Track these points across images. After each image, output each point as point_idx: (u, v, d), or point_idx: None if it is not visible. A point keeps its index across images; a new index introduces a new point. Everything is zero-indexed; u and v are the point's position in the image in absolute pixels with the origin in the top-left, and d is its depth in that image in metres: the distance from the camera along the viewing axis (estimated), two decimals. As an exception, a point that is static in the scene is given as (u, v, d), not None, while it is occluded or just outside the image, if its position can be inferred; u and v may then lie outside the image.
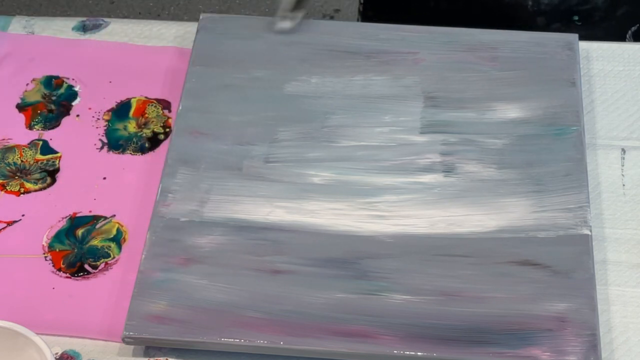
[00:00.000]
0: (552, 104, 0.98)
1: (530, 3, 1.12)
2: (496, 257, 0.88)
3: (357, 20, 1.26)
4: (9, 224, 0.94)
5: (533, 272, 0.87)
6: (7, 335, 0.78)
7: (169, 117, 1.01)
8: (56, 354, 0.86)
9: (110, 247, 0.92)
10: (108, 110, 1.02)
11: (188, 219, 0.91)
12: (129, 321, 0.85)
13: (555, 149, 0.94)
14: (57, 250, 0.92)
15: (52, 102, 1.02)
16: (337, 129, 0.97)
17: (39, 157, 0.98)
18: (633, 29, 1.14)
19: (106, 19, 1.09)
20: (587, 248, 0.88)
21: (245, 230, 0.90)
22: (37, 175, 0.97)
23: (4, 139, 0.99)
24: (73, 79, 1.04)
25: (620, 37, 1.15)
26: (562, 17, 1.11)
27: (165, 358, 0.86)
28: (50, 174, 0.97)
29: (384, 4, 1.22)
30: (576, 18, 1.12)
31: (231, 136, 0.96)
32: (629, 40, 1.15)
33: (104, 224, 0.93)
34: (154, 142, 0.99)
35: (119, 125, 1.00)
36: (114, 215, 0.94)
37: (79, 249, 0.92)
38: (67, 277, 0.90)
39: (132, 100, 1.02)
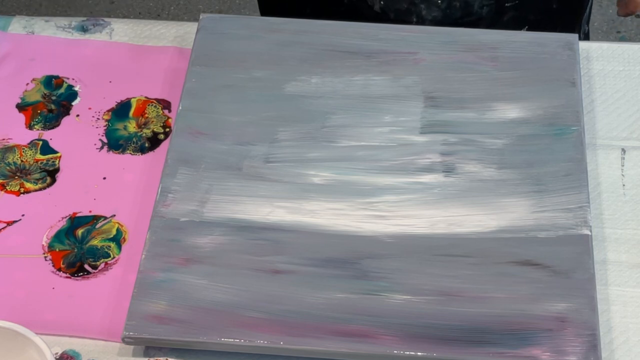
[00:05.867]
0: (552, 104, 0.98)
1: (415, 19, 1.11)
2: (496, 257, 0.88)
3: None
4: (9, 224, 0.94)
5: (533, 272, 0.87)
6: (7, 335, 0.78)
7: (169, 117, 1.01)
8: (56, 354, 0.86)
9: (110, 247, 0.92)
10: (108, 110, 1.01)
11: (188, 219, 0.91)
12: (129, 321, 0.85)
13: (555, 149, 0.94)
14: (57, 250, 0.92)
15: (52, 102, 1.02)
16: (337, 129, 0.97)
17: (39, 157, 0.98)
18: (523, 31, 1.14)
19: (106, 19, 1.09)
20: (587, 248, 0.88)
21: (245, 230, 0.90)
22: (37, 175, 0.97)
23: (4, 139, 0.99)
24: (73, 79, 1.04)
25: None
26: None
27: (165, 358, 0.86)
28: (50, 174, 0.97)
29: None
30: None
31: (231, 136, 0.96)
32: None
33: (104, 224, 0.93)
34: (154, 142, 0.99)
35: (119, 125, 1.00)
36: (114, 215, 0.94)
37: (79, 249, 0.92)
38: (67, 277, 0.90)
39: (132, 100, 1.02)
